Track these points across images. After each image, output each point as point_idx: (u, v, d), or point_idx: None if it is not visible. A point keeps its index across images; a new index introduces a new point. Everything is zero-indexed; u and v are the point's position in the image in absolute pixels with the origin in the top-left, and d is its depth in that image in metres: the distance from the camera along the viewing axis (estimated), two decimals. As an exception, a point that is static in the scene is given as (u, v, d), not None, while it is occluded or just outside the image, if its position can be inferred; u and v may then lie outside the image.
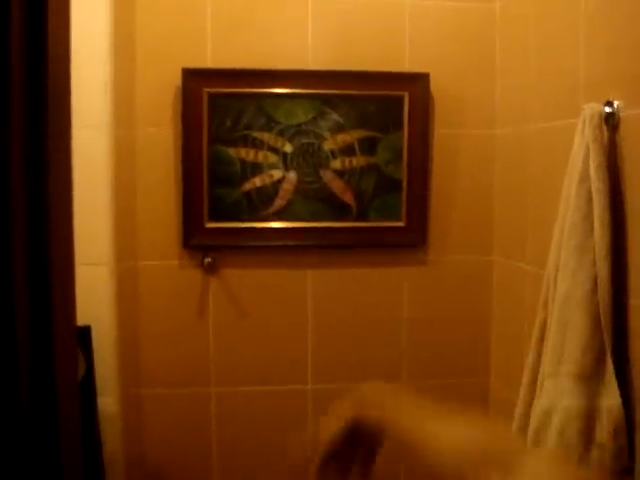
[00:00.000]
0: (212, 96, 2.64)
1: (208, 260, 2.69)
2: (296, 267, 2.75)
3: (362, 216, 2.74)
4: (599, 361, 1.84)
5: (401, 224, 2.75)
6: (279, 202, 2.71)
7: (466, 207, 2.78)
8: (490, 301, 2.80)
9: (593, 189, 1.87)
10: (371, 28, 2.70)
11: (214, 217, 2.69)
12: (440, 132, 2.75)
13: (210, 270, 2.71)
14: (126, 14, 2.57)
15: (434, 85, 2.70)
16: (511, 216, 2.66)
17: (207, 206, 2.68)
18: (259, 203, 2.70)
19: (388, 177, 2.73)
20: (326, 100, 2.68)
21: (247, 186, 2.69)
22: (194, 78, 2.62)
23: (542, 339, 2.03)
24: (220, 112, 2.65)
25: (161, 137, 2.65)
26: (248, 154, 2.68)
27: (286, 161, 2.70)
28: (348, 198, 2.73)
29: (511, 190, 2.67)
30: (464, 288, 2.80)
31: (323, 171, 2.71)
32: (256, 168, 2.69)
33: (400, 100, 2.70)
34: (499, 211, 2.77)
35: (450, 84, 2.73)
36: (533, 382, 2.04)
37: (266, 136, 2.68)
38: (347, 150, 2.71)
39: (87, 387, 2.31)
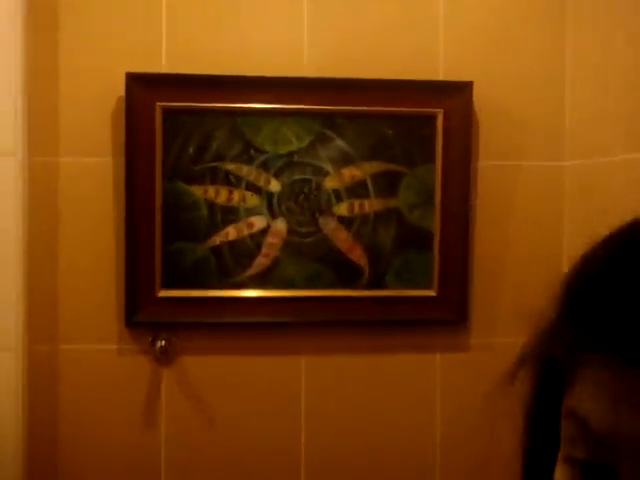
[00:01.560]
0: (168, 112, 1.88)
1: (161, 343, 1.91)
2: (285, 353, 1.97)
3: (377, 282, 1.96)
4: None
5: (432, 293, 1.97)
6: (261, 262, 1.93)
7: (524, 270, 2.00)
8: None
9: None
10: (390, 22, 1.95)
11: (170, 283, 1.91)
12: (486, 165, 1.99)
13: (164, 357, 1.92)
14: (45, 10, 1.83)
15: (478, 100, 1.94)
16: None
17: (160, 267, 1.90)
18: (233, 263, 1.93)
19: (414, 227, 1.97)
20: (328, 120, 1.93)
21: (217, 239, 1.92)
22: (143, 87, 1.87)
23: None
24: (180, 135, 1.90)
25: (95, 170, 1.89)
26: (219, 194, 1.92)
27: (272, 205, 1.93)
28: (358, 257, 1.96)
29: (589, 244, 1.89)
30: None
31: (323, 219, 1.94)
32: (230, 214, 1.92)
33: (431, 120, 1.94)
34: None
35: (501, 99, 1.98)
36: None
37: (244, 169, 1.92)
38: (357, 190, 1.95)
39: None
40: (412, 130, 1.95)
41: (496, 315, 2.01)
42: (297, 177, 1.94)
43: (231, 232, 1.93)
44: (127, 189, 1.88)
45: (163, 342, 1.91)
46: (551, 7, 1.99)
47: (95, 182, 1.89)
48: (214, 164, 1.91)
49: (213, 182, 1.91)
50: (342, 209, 1.95)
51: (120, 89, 1.86)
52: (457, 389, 2.01)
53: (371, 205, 1.96)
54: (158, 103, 1.88)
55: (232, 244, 1.93)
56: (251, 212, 1.93)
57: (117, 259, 1.90)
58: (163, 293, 1.91)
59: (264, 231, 1.94)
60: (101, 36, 1.88)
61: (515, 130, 1.99)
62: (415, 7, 1.96)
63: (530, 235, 2.01)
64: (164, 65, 1.90)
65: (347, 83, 1.92)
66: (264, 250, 1.94)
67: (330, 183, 1.95)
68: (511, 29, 1.98)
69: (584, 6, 1.95)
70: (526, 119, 1.99)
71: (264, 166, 1.93)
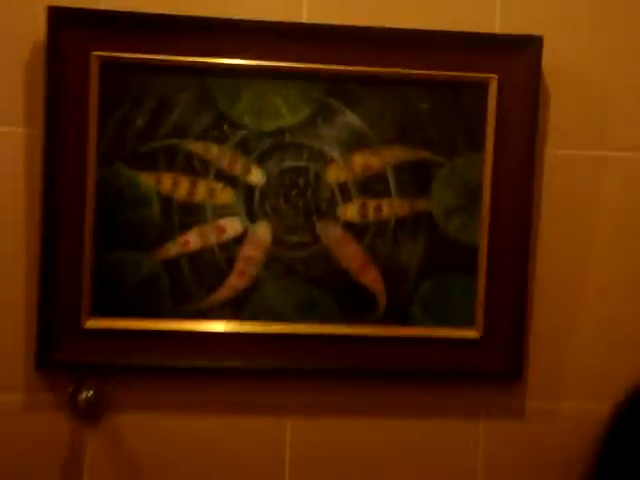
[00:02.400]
0: (108, 65, 1.32)
1: (87, 394, 1.34)
2: (265, 412, 1.40)
3: (397, 316, 1.40)
4: None
5: (474, 334, 1.40)
6: (234, 283, 1.37)
7: (606, 303, 1.44)
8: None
9: None
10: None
11: (103, 309, 1.35)
12: (556, 154, 1.42)
13: (90, 413, 1.35)
14: None
15: (548, 63, 1.38)
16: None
17: (89, 287, 1.34)
18: (195, 283, 1.36)
19: (451, 241, 1.39)
20: (335, 85, 1.36)
21: (172, 249, 1.35)
22: (72, 28, 1.30)
23: None
24: (124, 99, 1.34)
25: (4, 145, 1.33)
26: (177, 186, 1.35)
27: (251, 203, 1.37)
28: (371, 279, 1.39)
29: None
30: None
31: (323, 225, 1.37)
32: (192, 214, 1.36)
33: (481, 90, 1.38)
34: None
35: (580, 63, 1.41)
36: None
37: (214, 151, 1.36)
38: (372, 185, 1.39)
39: None
40: (453, 103, 1.38)
41: (563, 369, 1.43)
42: (288, 164, 1.37)
43: (193, 239, 1.36)
44: (45, 174, 1.31)
45: (90, 392, 1.34)
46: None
47: (3, 165, 1.33)
48: (171, 142, 1.35)
49: (169, 168, 1.35)
50: (350, 212, 1.38)
51: (39, 30, 1.30)
52: (506, 467, 1.43)
53: (392, 207, 1.39)
54: (94, 52, 1.32)
55: (194, 256, 1.36)
56: (222, 212, 1.36)
57: (28, 274, 1.33)
58: (92, 324, 1.34)
59: (239, 239, 1.37)
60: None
61: (598, 108, 1.42)
62: None
63: (616, 254, 1.43)
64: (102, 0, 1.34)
65: (362, 33, 1.35)
66: (239, 266, 1.37)
67: (335, 174, 1.38)
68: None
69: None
70: (613, 93, 1.42)
71: (242, 147, 1.36)
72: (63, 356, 1.34)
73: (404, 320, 1.40)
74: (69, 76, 1.31)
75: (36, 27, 1.30)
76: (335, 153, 1.37)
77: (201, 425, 1.39)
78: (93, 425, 1.36)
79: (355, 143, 1.38)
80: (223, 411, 1.39)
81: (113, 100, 1.33)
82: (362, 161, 1.38)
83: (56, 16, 1.30)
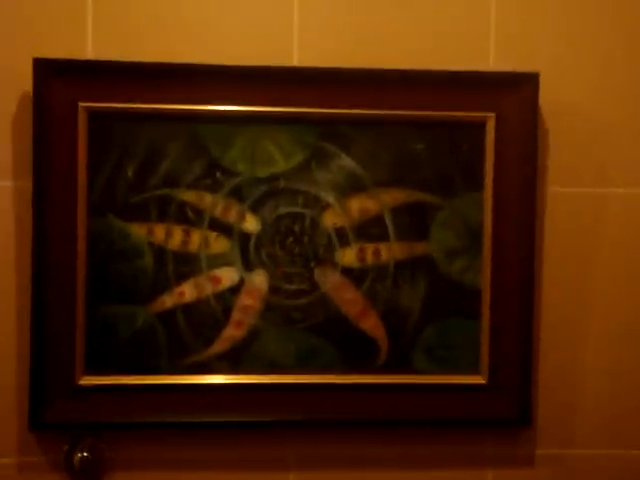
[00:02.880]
0: (96, 115, 1.30)
1: (82, 454, 1.30)
2: (266, 466, 1.36)
3: (400, 363, 1.36)
4: None
5: (480, 380, 1.36)
6: (232, 334, 1.34)
7: (613, 346, 1.40)
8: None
9: None
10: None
11: (97, 365, 1.31)
12: (556, 192, 1.39)
13: (85, 474, 1.31)
14: None
15: (546, 100, 1.35)
16: None
17: (83, 342, 1.30)
18: (190, 336, 1.32)
19: (453, 284, 1.36)
20: (327, 128, 1.33)
21: (167, 301, 1.32)
22: (57, 78, 1.28)
23: None
24: (114, 149, 1.31)
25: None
26: (170, 236, 1.32)
27: (247, 251, 1.33)
28: (371, 326, 1.36)
29: None
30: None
31: (320, 271, 1.34)
32: (186, 264, 1.32)
33: (478, 128, 1.35)
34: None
35: (577, 99, 1.38)
36: None
37: (207, 200, 1.33)
38: (369, 229, 1.35)
39: None
40: (449, 143, 1.35)
41: (573, 414, 1.39)
42: (283, 211, 1.34)
43: (188, 291, 1.33)
44: (35, 227, 1.28)
45: (85, 452, 1.30)
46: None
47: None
48: (163, 191, 1.32)
49: (162, 218, 1.32)
50: (348, 257, 1.35)
51: (26, 81, 1.27)
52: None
53: (391, 251, 1.35)
54: (81, 103, 1.29)
55: (189, 308, 1.32)
56: (217, 262, 1.33)
57: (19, 330, 1.30)
58: (86, 380, 1.31)
59: (236, 289, 1.33)
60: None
61: (598, 143, 1.39)
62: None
63: (620, 292, 1.40)
64: (90, 50, 1.31)
65: (354, 75, 1.32)
66: (236, 316, 1.33)
67: (331, 219, 1.35)
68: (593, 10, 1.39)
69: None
70: (611, 128, 1.39)
71: (236, 195, 1.33)
72: (57, 415, 1.30)
73: (407, 367, 1.36)
74: (57, 127, 1.29)
75: (23, 78, 1.27)
76: (331, 198, 1.34)
77: (202, 463, 1.35)
78: (90, 487, 1.32)
79: (350, 187, 1.34)
80: (224, 466, 1.35)
81: (102, 150, 1.31)
82: (359, 205, 1.35)
83: (42, 68, 1.27)
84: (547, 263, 1.38)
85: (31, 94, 1.27)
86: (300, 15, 1.34)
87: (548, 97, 1.35)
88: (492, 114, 1.34)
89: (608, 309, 1.40)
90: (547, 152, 1.37)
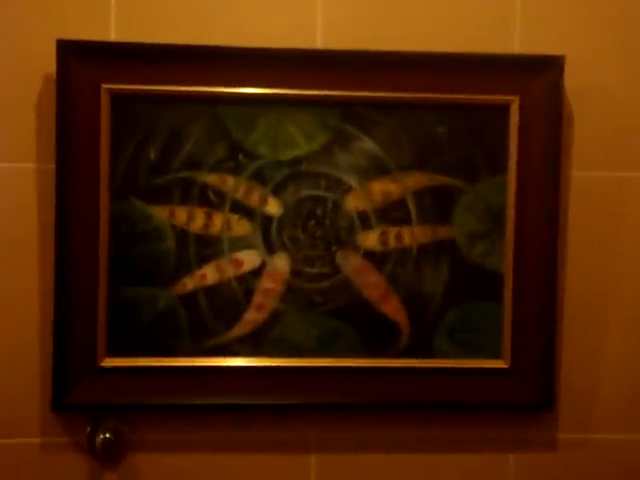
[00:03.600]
0: (118, 98, 1.29)
1: (104, 436, 1.30)
2: (288, 449, 1.37)
3: (421, 347, 1.36)
4: None
5: (502, 364, 1.36)
6: (253, 317, 1.33)
7: (636, 331, 1.39)
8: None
9: None
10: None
11: (119, 347, 1.32)
12: (582, 176, 1.37)
13: (108, 455, 1.31)
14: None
15: (571, 83, 1.34)
16: None
17: (105, 325, 1.31)
18: (212, 318, 1.32)
19: (476, 268, 1.35)
20: (350, 111, 1.33)
21: (188, 283, 1.32)
22: (81, 60, 1.28)
23: None
24: (136, 132, 1.31)
25: (11, 182, 1.31)
26: (192, 219, 1.32)
27: (269, 234, 1.33)
28: (393, 310, 1.35)
29: None
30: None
31: (342, 254, 1.34)
32: (207, 247, 1.32)
33: (502, 112, 1.34)
34: None
35: (604, 82, 1.37)
36: None
37: (230, 183, 1.33)
38: (392, 212, 1.35)
39: None
40: (472, 127, 1.34)
41: (596, 398, 1.39)
42: (306, 194, 1.34)
43: (210, 273, 1.33)
44: (58, 209, 1.28)
45: (107, 434, 1.30)
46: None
47: (10, 199, 1.30)
48: (186, 174, 1.32)
49: (184, 200, 1.32)
50: (371, 240, 1.35)
51: (50, 64, 1.27)
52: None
53: (413, 235, 1.35)
54: (104, 85, 1.29)
55: (211, 290, 1.32)
56: (239, 245, 1.33)
57: (42, 314, 1.30)
58: (109, 362, 1.31)
59: (257, 272, 1.33)
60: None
61: (623, 128, 1.37)
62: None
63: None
64: (113, 32, 1.31)
65: (377, 58, 1.32)
66: (257, 299, 1.33)
67: (353, 203, 1.34)
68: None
69: None
70: (636, 112, 1.38)
71: (258, 178, 1.33)
72: (79, 397, 1.30)
73: (428, 351, 1.36)
74: (80, 110, 1.29)
75: (46, 60, 1.28)
76: (353, 181, 1.34)
77: (223, 463, 1.35)
78: (112, 466, 1.33)
79: (373, 170, 1.34)
80: (245, 449, 1.35)
81: (124, 133, 1.31)
82: (381, 188, 1.35)
83: (66, 49, 1.27)
84: (570, 247, 1.37)
85: (54, 76, 1.27)
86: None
87: (573, 81, 1.33)
88: (516, 97, 1.33)
89: (631, 293, 1.39)
90: (572, 136, 1.36)
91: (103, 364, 1.31)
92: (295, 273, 1.34)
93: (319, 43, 1.34)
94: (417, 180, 1.35)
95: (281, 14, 1.33)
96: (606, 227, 1.39)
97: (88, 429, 1.32)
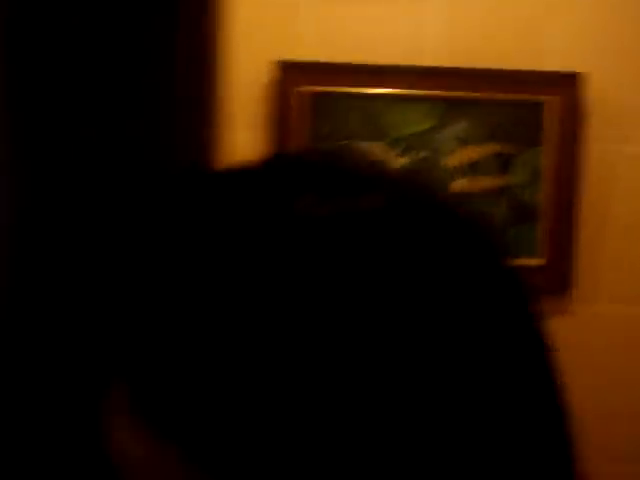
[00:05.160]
0: (315, 96, 2.08)
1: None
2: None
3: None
4: None
5: (541, 261, 2.17)
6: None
7: (628, 242, 2.20)
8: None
9: None
10: (504, 14, 2.16)
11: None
12: (596, 147, 2.18)
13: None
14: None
15: (591, 87, 2.13)
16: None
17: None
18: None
19: (522, 203, 2.17)
20: (452, 105, 2.14)
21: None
22: (292, 72, 2.06)
23: None
24: (320, 116, 2.09)
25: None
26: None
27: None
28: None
29: None
30: (626, 351, 2.19)
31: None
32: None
33: (539, 107, 2.16)
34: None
35: (612, 86, 2.16)
36: None
37: (375, 147, 2.12)
38: (470, 169, 2.15)
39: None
40: (524, 116, 2.16)
41: (600, 281, 2.18)
42: (420, 155, 2.14)
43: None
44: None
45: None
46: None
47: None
48: (346, 142, 2.11)
49: (346, 159, 2.11)
50: (458, 186, 2.16)
51: (266, 76, 2.05)
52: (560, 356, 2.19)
53: (483, 183, 2.16)
54: (304, 87, 2.07)
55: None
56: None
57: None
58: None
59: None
60: (249, 27, 2.07)
61: (621, 114, 2.20)
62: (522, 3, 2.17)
63: (632, 207, 2.19)
64: (303, 54, 2.09)
65: (467, 72, 2.13)
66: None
67: (447, 162, 2.15)
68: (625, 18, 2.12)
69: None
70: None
71: (392, 144, 2.12)
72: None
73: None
74: (289, 103, 2.06)
75: (264, 74, 2.04)
76: (448, 149, 2.13)
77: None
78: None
79: (460, 142, 2.14)
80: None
81: (314, 117, 2.08)
82: (465, 154, 2.15)
83: (281, 65, 2.05)
84: (589, 184, 2.19)
85: (269, 86, 2.05)
86: (429, 27, 2.14)
87: (593, 85, 2.11)
88: (550, 98, 2.15)
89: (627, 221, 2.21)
90: (590, 119, 2.18)
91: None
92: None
93: (427, 59, 2.13)
94: (487, 149, 2.16)
95: (404, 42, 2.13)
96: (609, 176, 2.21)
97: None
